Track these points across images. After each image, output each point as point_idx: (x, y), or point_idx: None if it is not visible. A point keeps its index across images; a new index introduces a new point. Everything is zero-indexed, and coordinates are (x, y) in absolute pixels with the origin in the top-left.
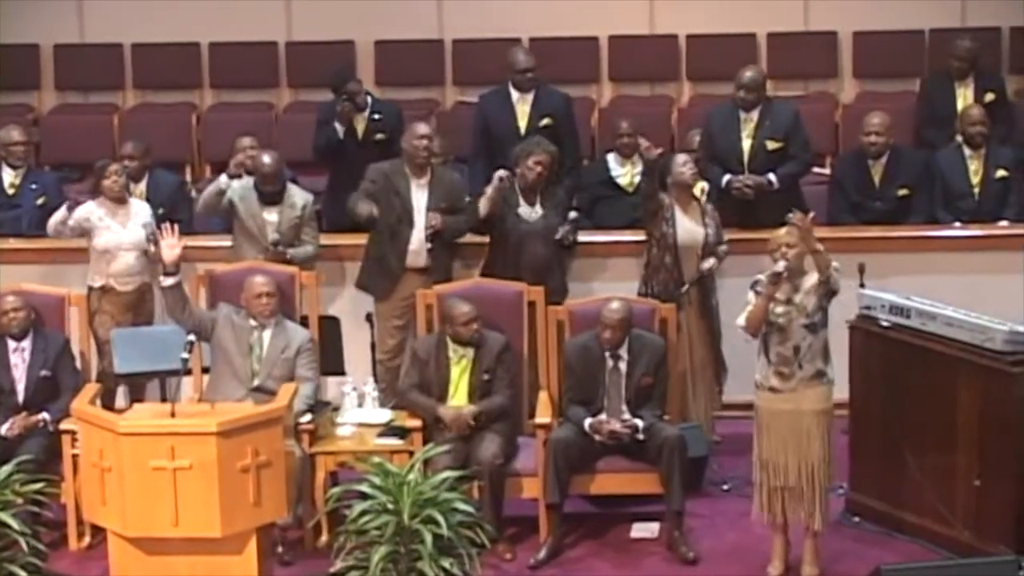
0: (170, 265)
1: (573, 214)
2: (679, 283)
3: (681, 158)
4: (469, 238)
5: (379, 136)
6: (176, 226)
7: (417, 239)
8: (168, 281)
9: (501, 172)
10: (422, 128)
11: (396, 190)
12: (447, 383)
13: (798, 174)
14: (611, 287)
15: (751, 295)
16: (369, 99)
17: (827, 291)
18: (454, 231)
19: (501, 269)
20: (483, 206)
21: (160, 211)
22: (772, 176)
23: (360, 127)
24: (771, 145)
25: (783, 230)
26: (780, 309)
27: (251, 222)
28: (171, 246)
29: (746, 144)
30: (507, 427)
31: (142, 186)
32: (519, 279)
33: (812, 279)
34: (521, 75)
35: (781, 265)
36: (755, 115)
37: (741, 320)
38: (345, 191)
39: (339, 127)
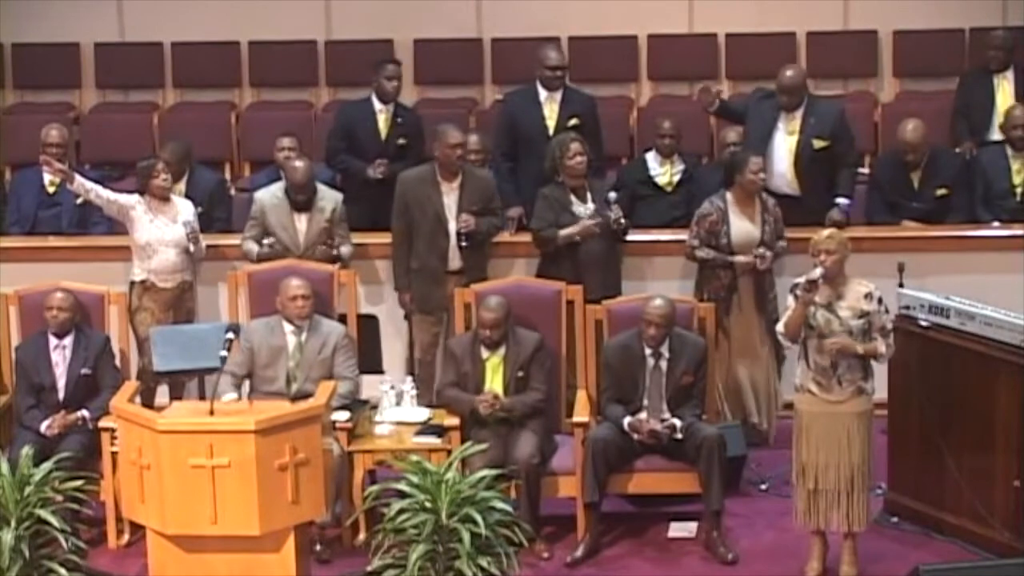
0: None
1: (612, 195)
2: (732, 286)
3: (755, 163)
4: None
5: (400, 141)
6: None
7: (453, 242)
8: None
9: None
10: (456, 136)
11: (428, 197)
12: (481, 380)
13: (854, 177)
14: (659, 286)
15: (790, 299)
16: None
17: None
18: (486, 232)
19: (558, 269)
20: (564, 236)
21: (199, 210)
22: (842, 201)
23: (384, 126)
24: (817, 144)
25: (824, 233)
26: (820, 313)
27: (282, 233)
28: None
29: (790, 141)
30: (544, 425)
31: (181, 185)
32: (578, 278)
33: (858, 294)
34: (551, 72)
35: (817, 272)
36: (798, 113)
37: (780, 326)
38: (364, 189)
39: (372, 173)
